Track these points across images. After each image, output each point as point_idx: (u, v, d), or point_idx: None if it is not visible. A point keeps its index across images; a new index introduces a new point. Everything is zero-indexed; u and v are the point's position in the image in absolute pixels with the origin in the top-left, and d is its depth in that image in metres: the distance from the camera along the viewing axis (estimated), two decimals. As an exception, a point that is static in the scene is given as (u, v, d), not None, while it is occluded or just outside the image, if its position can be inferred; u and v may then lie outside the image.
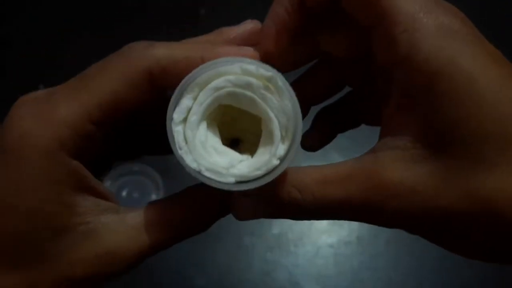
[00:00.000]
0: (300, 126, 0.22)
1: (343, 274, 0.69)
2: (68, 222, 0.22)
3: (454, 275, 0.69)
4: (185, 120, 0.22)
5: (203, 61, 0.23)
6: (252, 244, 0.70)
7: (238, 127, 0.26)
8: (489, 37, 0.21)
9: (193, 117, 0.22)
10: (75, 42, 0.82)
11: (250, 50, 0.24)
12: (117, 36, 0.82)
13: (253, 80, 0.22)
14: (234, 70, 0.22)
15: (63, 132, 0.21)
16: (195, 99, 0.22)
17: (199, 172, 0.22)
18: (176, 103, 0.22)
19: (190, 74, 0.22)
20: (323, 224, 0.72)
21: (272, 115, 0.22)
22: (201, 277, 0.69)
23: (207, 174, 0.22)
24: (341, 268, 0.70)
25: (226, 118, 0.25)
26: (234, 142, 0.27)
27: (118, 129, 0.25)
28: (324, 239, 0.71)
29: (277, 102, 0.22)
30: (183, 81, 0.22)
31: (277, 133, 0.22)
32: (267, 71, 0.22)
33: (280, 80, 0.22)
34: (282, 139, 0.22)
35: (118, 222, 0.23)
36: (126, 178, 0.73)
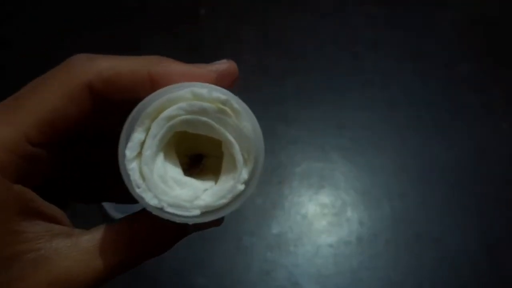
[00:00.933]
0: (263, 147, 0.21)
1: (343, 274, 0.69)
2: (14, 250, 0.20)
3: (453, 275, 0.69)
4: (139, 154, 0.21)
5: (149, 75, 0.22)
6: (252, 244, 0.70)
7: (199, 140, 0.24)
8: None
9: (147, 152, 0.21)
10: (75, 42, 0.82)
11: (202, 70, 0.22)
12: (117, 36, 0.82)
13: (207, 104, 0.21)
14: (185, 96, 0.21)
15: (0, 156, 0.20)
16: (147, 131, 0.21)
17: (161, 209, 0.21)
18: (127, 138, 0.21)
19: (138, 105, 0.21)
20: (322, 224, 0.72)
21: (231, 138, 0.21)
22: (201, 277, 0.68)
23: (170, 210, 0.20)
24: (341, 268, 0.70)
25: (184, 136, 0.23)
26: (197, 158, 0.25)
27: (69, 150, 0.23)
28: (323, 239, 0.71)
29: (235, 125, 0.21)
30: (132, 113, 0.21)
31: (239, 157, 0.21)
32: (221, 94, 0.21)
33: (235, 102, 0.21)
34: (245, 162, 0.21)
35: (70, 246, 0.21)
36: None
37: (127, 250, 0.22)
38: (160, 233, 0.23)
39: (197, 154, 0.25)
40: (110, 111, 0.23)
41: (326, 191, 0.74)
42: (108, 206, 0.71)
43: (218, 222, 0.23)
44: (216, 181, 0.22)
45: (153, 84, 0.22)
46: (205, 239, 0.68)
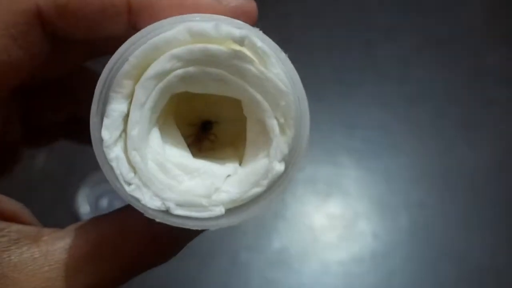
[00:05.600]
0: (306, 104, 0.16)
1: (354, 296, 0.69)
2: None
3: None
4: (123, 134, 0.16)
5: (128, 2, 0.16)
6: (250, 261, 0.67)
7: (205, 99, 0.19)
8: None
9: (135, 129, 0.15)
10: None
11: (206, 0, 0.17)
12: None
13: (214, 47, 0.15)
14: (180, 36, 0.15)
15: None
16: (130, 97, 0.16)
17: (166, 212, 0.16)
18: (102, 112, 0.15)
19: (112, 59, 0.15)
20: (331, 238, 0.71)
21: (257, 96, 0.16)
22: (192, 298, 0.67)
23: (180, 212, 0.16)
24: (352, 288, 0.69)
25: (184, 95, 0.18)
26: (205, 125, 0.20)
27: (20, 103, 0.19)
28: (332, 255, 0.69)
29: (261, 74, 0.15)
30: (104, 73, 0.15)
31: (271, 123, 0.16)
32: (234, 28, 0.15)
33: (258, 38, 0.15)
34: (281, 129, 0.16)
35: (39, 258, 0.17)
36: (106, 185, 0.67)
37: (116, 261, 0.18)
38: (162, 237, 0.18)
39: (204, 121, 0.20)
40: (70, 53, 0.19)
41: (335, 199, 0.71)
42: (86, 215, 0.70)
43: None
44: (240, 160, 0.18)
45: (131, 18, 0.16)
46: (196, 254, 0.67)
